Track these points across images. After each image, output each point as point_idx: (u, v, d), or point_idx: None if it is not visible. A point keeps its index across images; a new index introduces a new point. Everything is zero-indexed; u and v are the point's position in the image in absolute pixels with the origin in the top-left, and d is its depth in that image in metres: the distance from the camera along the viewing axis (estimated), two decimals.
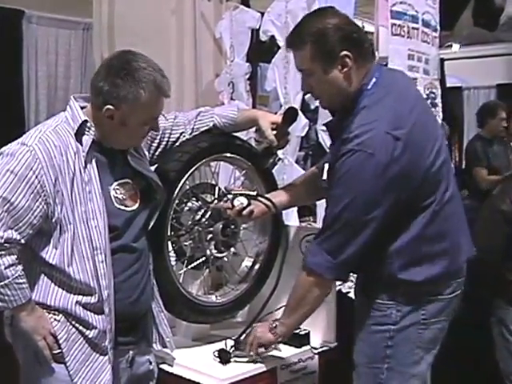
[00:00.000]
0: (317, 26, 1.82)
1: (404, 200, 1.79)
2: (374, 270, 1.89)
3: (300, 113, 2.79)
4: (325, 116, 2.81)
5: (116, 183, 1.87)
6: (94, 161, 1.81)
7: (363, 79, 1.86)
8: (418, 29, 2.63)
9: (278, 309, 2.34)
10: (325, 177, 1.97)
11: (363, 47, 1.87)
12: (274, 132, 2.13)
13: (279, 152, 2.89)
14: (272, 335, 2.05)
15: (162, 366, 2.15)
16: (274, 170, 2.46)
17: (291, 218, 2.84)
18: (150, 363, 2.03)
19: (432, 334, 1.94)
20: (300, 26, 1.89)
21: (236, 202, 2.12)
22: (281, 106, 3.00)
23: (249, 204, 2.13)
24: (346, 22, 1.86)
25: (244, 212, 2.12)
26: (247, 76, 3.24)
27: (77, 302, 1.80)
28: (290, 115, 2.19)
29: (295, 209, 2.90)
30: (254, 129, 2.35)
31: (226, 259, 2.34)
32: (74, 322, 1.81)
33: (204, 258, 2.26)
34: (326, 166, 1.97)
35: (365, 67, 1.87)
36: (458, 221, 1.96)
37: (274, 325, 2.05)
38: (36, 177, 1.70)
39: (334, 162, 1.85)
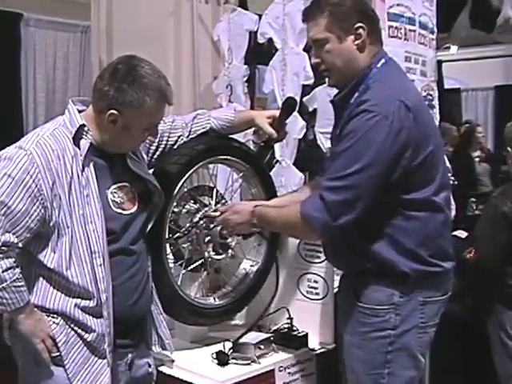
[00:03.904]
0: None
1: (407, 179, 1.82)
2: (374, 261, 1.88)
3: (297, 115, 2.80)
4: (323, 117, 2.82)
5: (114, 187, 1.88)
6: (91, 164, 1.81)
7: (373, 58, 1.91)
8: (415, 31, 2.63)
9: (277, 311, 2.35)
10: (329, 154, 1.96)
11: (376, 26, 1.95)
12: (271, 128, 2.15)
13: (277, 155, 2.92)
14: (249, 211, 2.04)
15: (160, 368, 2.15)
16: (271, 173, 2.47)
17: None
18: (149, 366, 2.03)
19: (429, 338, 1.96)
20: None
21: None
22: (279, 108, 3.01)
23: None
24: (363, 1, 1.96)
25: None
26: (245, 78, 3.24)
27: (75, 305, 1.80)
28: (289, 105, 2.20)
29: None
30: (251, 131, 2.35)
31: (224, 261, 2.34)
32: (72, 325, 1.81)
33: (202, 261, 2.27)
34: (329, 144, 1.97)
35: (376, 46, 1.93)
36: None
37: (256, 205, 2.07)
38: (33, 181, 1.71)
39: (340, 130, 1.87)
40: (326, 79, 2.01)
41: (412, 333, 1.90)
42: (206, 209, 2.24)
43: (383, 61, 1.92)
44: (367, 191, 1.79)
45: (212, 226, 2.21)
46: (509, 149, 2.87)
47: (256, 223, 2.05)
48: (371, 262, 1.89)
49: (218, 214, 2.17)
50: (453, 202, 2.45)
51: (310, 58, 2.89)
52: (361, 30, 1.87)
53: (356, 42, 1.88)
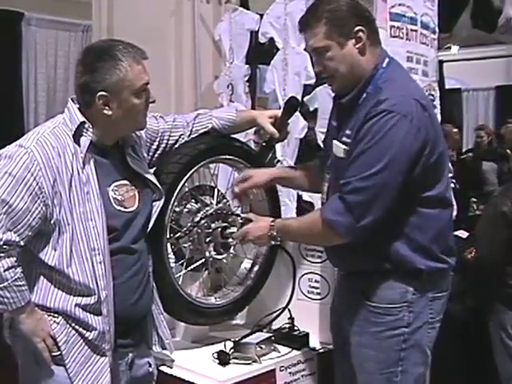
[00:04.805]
0: (331, 5, 1.87)
1: (422, 177, 1.83)
2: (389, 259, 1.88)
3: (299, 115, 2.80)
4: (323, 117, 2.82)
5: (115, 184, 1.88)
6: (92, 162, 1.81)
7: (376, 59, 1.91)
8: (416, 31, 2.63)
9: (279, 311, 2.35)
10: (341, 155, 1.92)
11: (374, 26, 1.94)
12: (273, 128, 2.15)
13: (278, 154, 2.92)
14: (268, 225, 2.02)
15: (161, 368, 2.15)
16: None
17: None
18: (150, 365, 2.03)
19: (435, 333, 1.97)
20: (314, 6, 1.93)
21: None
22: (280, 108, 3.00)
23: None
24: (358, 2, 1.94)
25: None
26: (246, 78, 3.24)
27: (76, 304, 1.80)
28: (291, 105, 2.20)
29: (294, 210, 2.91)
30: (252, 130, 2.35)
31: (225, 261, 2.34)
32: (73, 324, 1.81)
33: (203, 260, 2.27)
34: (338, 143, 1.93)
35: (377, 47, 1.93)
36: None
37: (272, 220, 2.04)
38: (34, 178, 1.70)
39: (356, 131, 1.85)
40: (329, 86, 2.00)
41: (423, 329, 1.92)
42: (208, 208, 2.24)
43: (387, 60, 1.93)
44: (390, 190, 1.79)
45: (230, 239, 2.21)
46: (508, 151, 2.88)
47: (275, 236, 2.02)
48: (385, 261, 1.89)
49: (235, 229, 2.17)
50: (454, 203, 2.45)
51: (311, 58, 2.89)
52: (360, 34, 1.86)
53: (357, 46, 1.87)
